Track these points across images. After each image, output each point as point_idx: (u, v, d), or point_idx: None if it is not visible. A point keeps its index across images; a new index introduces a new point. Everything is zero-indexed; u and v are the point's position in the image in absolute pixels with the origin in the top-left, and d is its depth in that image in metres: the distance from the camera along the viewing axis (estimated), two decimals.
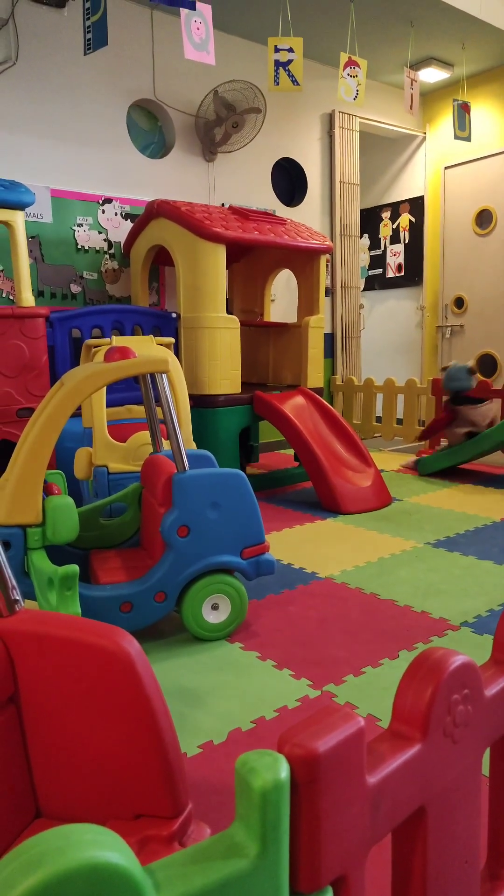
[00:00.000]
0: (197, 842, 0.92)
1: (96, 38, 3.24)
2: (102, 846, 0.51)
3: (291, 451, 4.83)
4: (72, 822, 0.98)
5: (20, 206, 2.97)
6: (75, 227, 4.03)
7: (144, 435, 2.67)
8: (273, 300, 5.01)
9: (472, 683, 0.76)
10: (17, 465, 1.82)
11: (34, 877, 0.47)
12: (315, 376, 4.22)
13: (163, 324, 3.67)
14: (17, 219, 2.99)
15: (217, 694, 1.75)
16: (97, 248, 4.14)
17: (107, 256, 4.18)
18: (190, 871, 0.57)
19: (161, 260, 4.14)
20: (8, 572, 0.98)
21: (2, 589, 0.97)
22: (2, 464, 3.63)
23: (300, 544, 3.02)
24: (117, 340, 2.73)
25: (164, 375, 2.00)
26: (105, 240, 4.16)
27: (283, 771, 0.60)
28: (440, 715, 0.74)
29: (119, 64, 4.14)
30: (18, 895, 0.46)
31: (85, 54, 3.41)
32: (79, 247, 4.06)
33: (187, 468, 1.99)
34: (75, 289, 4.06)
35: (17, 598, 0.99)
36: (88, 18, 3.31)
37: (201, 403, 3.63)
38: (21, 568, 1.83)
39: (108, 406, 2.92)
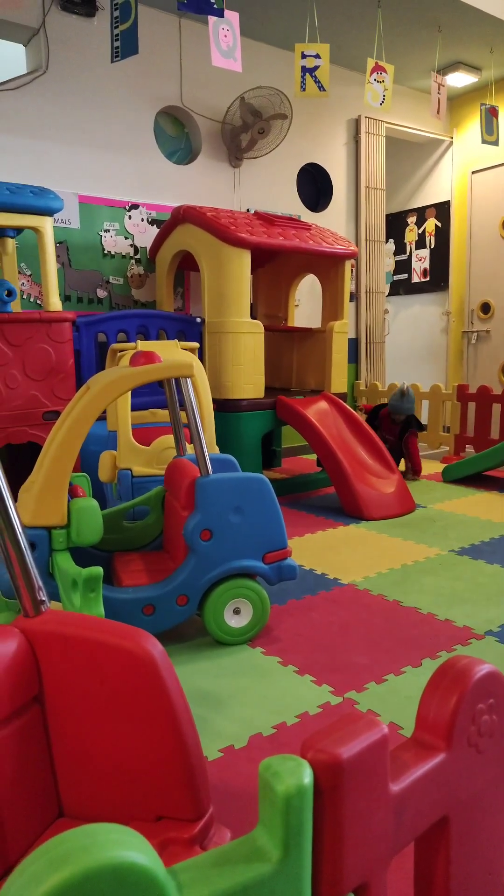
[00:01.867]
0: (218, 845, 0.92)
1: (125, 46, 3.28)
2: (127, 846, 0.51)
3: (314, 456, 4.82)
4: (94, 822, 0.98)
5: (49, 212, 3.02)
6: (102, 233, 4.08)
7: (168, 439, 2.69)
8: (297, 305, 5.01)
9: (497, 693, 0.76)
10: (43, 468, 1.85)
11: (60, 874, 0.47)
12: (339, 381, 4.21)
13: (187, 328, 3.70)
14: (46, 224, 3.03)
15: (238, 698, 1.75)
16: (123, 254, 4.18)
17: (133, 262, 4.22)
18: (212, 874, 0.57)
19: (186, 265, 4.16)
20: (34, 573, 0.99)
21: (28, 590, 0.98)
22: (28, 466, 3.67)
23: (322, 550, 3.01)
24: (142, 345, 2.75)
25: (188, 380, 2.01)
26: (131, 245, 4.21)
27: (307, 776, 0.60)
28: (465, 724, 0.73)
29: (146, 71, 4.19)
30: (45, 891, 0.47)
31: (112, 62, 3.45)
32: (105, 252, 4.10)
33: (210, 472, 2.00)
34: (101, 293, 4.11)
35: (43, 598, 1.00)
36: (117, 27, 3.35)
37: (224, 408, 3.64)
38: (46, 569, 1.85)
39: (132, 410, 2.94)
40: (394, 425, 4.35)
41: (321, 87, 3.96)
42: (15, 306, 3.14)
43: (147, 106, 4.23)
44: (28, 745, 0.94)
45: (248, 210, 4.67)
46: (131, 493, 2.63)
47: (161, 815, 0.94)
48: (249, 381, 3.69)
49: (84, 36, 3.91)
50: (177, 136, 4.47)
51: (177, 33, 4.29)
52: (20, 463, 3.71)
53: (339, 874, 0.62)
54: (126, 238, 4.18)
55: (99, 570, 1.58)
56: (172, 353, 2.76)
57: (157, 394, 3.48)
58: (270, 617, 2.24)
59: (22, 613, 1.00)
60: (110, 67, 3.99)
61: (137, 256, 4.23)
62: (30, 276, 3.78)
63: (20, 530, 0.97)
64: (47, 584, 1.85)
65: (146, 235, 4.24)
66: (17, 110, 3.75)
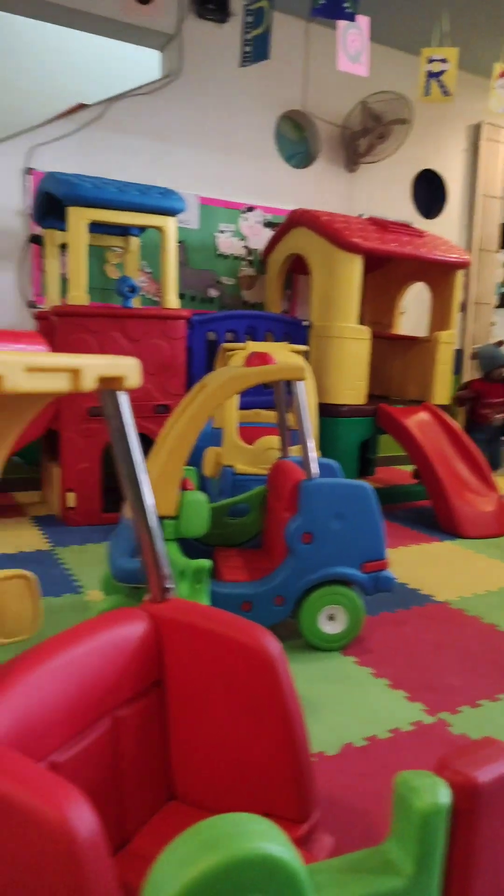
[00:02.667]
0: (323, 850, 0.93)
1: (257, 51, 3.35)
2: (273, 840, 0.53)
3: (410, 468, 4.72)
4: (202, 809, 1.02)
5: (173, 213, 3.13)
6: (218, 234, 4.18)
7: (271, 439, 2.72)
8: (402, 313, 4.92)
9: None
10: (158, 460, 1.92)
11: (212, 858, 0.50)
12: (442, 392, 4.11)
13: (293, 331, 3.72)
14: (170, 224, 3.14)
15: (329, 706, 1.75)
16: (236, 255, 4.26)
17: (244, 263, 4.30)
18: (346, 880, 0.58)
19: (296, 268, 4.19)
20: (164, 561, 1.03)
21: (157, 576, 1.03)
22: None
23: (416, 564, 2.95)
24: (252, 346, 2.80)
25: (301, 383, 2.03)
26: (244, 247, 4.28)
27: (444, 795, 0.60)
28: None
29: (271, 76, 4.24)
30: (198, 873, 0.49)
31: (241, 66, 3.52)
32: (219, 253, 4.20)
33: (316, 476, 2.01)
34: (213, 293, 4.21)
35: (170, 586, 1.05)
36: (249, 32, 3.41)
37: (324, 412, 3.64)
38: None
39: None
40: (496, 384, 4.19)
41: (445, 92, 3.87)
42: (134, 303, 3.27)
43: (270, 110, 4.29)
44: (148, 726, 0.99)
45: (360, 215, 4.64)
46: (231, 489, 2.68)
47: (268, 811, 0.96)
48: (351, 387, 3.67)
49: (215, 42, 4.02)
50: (296, 140, 4.51)
51: (303, 38, 4.32)
52: None
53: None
54: (240, 239, 4.26)
55: (209, 562, 1.63)
56: (283, 356, 2.79)
57: (261, 395, 3.52)
58: (363, 627, 2.22)
59: (149, 598, 1.04)
60: (237, 73, 4.08)
61: (250, 258, 4.30)
62: (149, 273, 3.92)
63: (154, 518, 1.02)
64: None
65: (259, 238, 4.30)
66: (148, 114, 3.91)
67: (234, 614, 1.02)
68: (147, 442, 3.41)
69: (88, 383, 0.89)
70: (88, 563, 2.80)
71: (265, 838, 0.52)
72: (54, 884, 0.58)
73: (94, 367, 0.91)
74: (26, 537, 3.12)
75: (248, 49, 3.46)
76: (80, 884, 0.58)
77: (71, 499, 3.27)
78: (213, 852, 0.49)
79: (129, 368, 0.97)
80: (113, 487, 3.57)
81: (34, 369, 0.81)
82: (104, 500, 3.34)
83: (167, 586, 1.04)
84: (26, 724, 0.78)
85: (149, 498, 1.02)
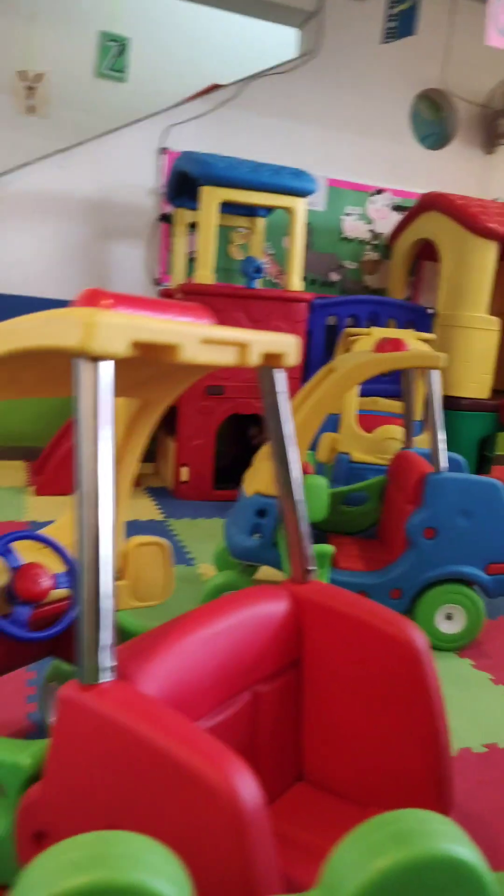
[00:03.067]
0: None
1: (402, 26, 3.23)
2: (461, 842, 0.51)
3: None
4: (330, 793, 1.01)
5: (304, 194, 3.10)
6: (344, 217, 4.10)
7: (391, 429, 2.66)
8: None
9: None
10: None
11: (403, 852, 0.48)
12: None
13: (417, 319, 3.60)
14: (299, 206, 3.12)
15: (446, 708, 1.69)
16: (361, 239, 4.17)
17: (369, 247, 4.20)
18: None
19: (423, 254, 4.04)
20: (308, 542, 1.03)
21: (301, 557, 1.02)
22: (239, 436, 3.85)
23: None
24: (378, 332, 2.73)
25: (436, 372, 1.95)
26: (370, 230, 4.18)
27: None
28: None
29: (410, 53, 4.08)
30: (389, 864, 0.48)
31: (383, 42, 3.41)
32: (343, 236, 4.13)
33: (445, 469, 1.94)
34: (334, 277, 4.15)
35: (312, 568, 1.04)
36: (395, 7, 3.29)
37: (444, 404, 3.50)
38: (272, 538, 1.93)
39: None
40: None
41: None
42: (258, 284, 3.27)
43: (406, 89, 4.14)
44: (284, 705, 0.99)
45: (496, 199, 4.40)
46: (346, 477, 2.64)
47: (400, 807, 0.94)
48: (475, 380, 3.51)
49: (356, 18, 3.91)
50: (432, 119, 4.33)
51: (446, 13, 4.12)
52: (238, 433, 3.92)
53: None
54: (366, 223, 4.16)
55: (331, 547, 1.61)
56: (411, 344, 2.70)
57: (379, 382, 3.44)
58: (482, 630, 2.13)
59: (290, 579, 1.04)
60: (375, 50, 3.95)
61: (375, 242, 4.20)
62: (272, 255, 3.92)
63: (301, 496, 1.01)
64: (270, 553, 1.92)
65: (386, 221, 4.19)
66: (282, 93, 3.88)
67: (377, 603, 0.99)
68: (260, 422, 3.44)
69: (254, 358, 0.89)
70: (199, 537, 2.87)
71: (456, 840, 0.50)
72: (220, 849, 0.59)
73: (260, 342, 0.90)
74: (140, 507, 3.24)
75: (391, 24, 3.34)
76: (246, 855, 0.58)
77: (184, 473, 3.35)
78: (405, 847, 0.48)
79: (290, 346, 0.97)
80: (224, 466, 3.64)
81: (209, 341, 0.81)
82: (215, 478, 3.40)
83: (309, 568, 1.03)
84: (181, 688, 0.80)
85: (297, 477, 1.01)
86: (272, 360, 0.96)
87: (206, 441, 3.32)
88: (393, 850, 0.48)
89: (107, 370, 0.72)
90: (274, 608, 0.98)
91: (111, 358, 0.71)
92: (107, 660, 0.71)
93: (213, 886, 0.58)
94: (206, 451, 3.33)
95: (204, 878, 0.58)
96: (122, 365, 0.74)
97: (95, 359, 0.70)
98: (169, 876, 0.51)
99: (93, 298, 0.82)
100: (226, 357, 0.86)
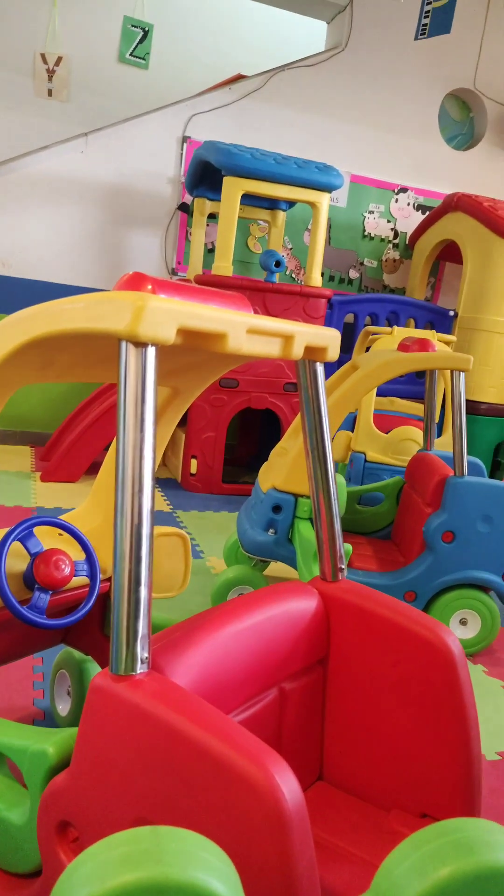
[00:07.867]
0: None
1: (436, 23, 3.19)
2: None
3: None
4: (350, 794, 1.00)
5: (329, 189, 3.06)
6: (366, 214, 4.07)
7: (409, 430, 2.63)
8: None
9: None
10: (300, 439, 1.89)
11: (467, 861, 0.46)
12: None
13: (438, 320, 3.58)
14: (323, 200, 3.08)
15: None
16: (382, 237, 4.14)
17: (390, 246, 4.16)
18: None
19: (444, 255, 4.01)
20: (340, 540, 1.01)
21: (331, 554, 1.00)
22: (260, 434, 3.82)
23: None
24: (400, 331, 2.71)
25: (462, 374, 1.93)
26: (392, 229, 4.15)
27: None
28: None
29: (442, 51, 4.04)
30: (451, 873, 0.46)
31: (416, 39, 3.38)
32: (365, 234, 4.09)
33: (466, 473, 1.92)
34: (353, 274, 4.11)
35: (343, 566, 1.02)
36: (430, 3, 3.26)
37: None
38: (286, 534, 1.91)
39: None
40: None
41: None
42: (277, 278, 3.25)
43: (436, 87, 4.10)
44: (309, 703, 0.97)
45: None
46: (361, 477, 2.62)
47: (426, 812, 0.92)
48: (494, 384, 3.49)
49: (387, 13, 3.86)
50: (461, 120, 4.29)
51: (483, 11, 4.07)
52: (250, 428, 3.90)
53: None
54: (388, 221, 4.13)
55: (349, 546, 1.59)
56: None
57: (396, 382, 3.42)
58: (496, 637, 2.11)
59: (320, 576, 1.02)
60: (405, 47, 3.91)
61: (396, 241, 4.17)
62: (290, 249, 3.89)
63: (336, 497, 0.99)
64: (285, 548, 1.91)
65: (409, 220, 4.15)
66: (308, 87, 3.84)
67: (408, 605, 0.98)
68: (274, 418, 3.42)
69: (298, 351, 0.87)
70: (207, 529, 2.85)
71: None
72: (261, 847, 0.58)
73: (304, 334, 0.88)
74: None
75: (426, 21, 3.31)
76: (288, 853, 0.57)
77: (193, 465, 3.33)
78: (469, 857, 0.46)
79: (333, 339, 0.95)
80: (232, 459, 3.61)
81: (255, 331, 0.79)
82: (224, 472, 3.38)
83: (341, 566, 1.01)
84: (213, 681, 0.78)
85: (332, 471, 0.99)
86: (314, 354, 0.94)
87: (217, 434, 3.30)
88: (455, 859, 0.46)
89: (153, 356, 0.70)
90: (303, 605, 0.96)
91: (159, 343, 0.69)
92: (143, 650, 0.70)
93: (252, 885, 0.57)
94: (217, 444, 3.32)
95: (242, 877, 0.56)
96: (161, 352, 0.72)
97: (142, 344, 0.69)
98: (222, 874, 0.50)
99: (138, 282, 0.80)
100: (270, 348, 0.84)
